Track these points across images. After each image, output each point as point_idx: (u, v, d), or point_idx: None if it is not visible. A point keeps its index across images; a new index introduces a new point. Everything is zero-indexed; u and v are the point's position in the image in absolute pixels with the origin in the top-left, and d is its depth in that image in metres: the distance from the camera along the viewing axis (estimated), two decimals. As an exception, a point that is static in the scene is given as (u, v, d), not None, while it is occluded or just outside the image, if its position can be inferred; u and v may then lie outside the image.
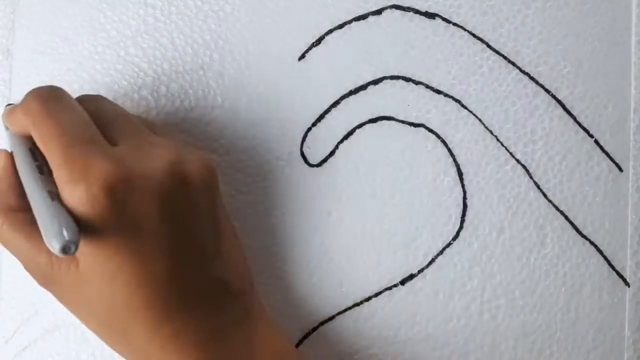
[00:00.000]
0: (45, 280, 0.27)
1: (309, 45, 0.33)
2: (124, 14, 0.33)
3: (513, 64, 0.33)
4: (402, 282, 0.32)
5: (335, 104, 0.33)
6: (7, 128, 0.29)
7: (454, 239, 0.32)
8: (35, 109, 0.26)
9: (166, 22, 0.33)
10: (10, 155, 0.28)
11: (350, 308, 0.32)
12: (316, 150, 0.33)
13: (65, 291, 0.27)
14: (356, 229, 0.32)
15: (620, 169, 0.33)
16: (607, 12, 0.33)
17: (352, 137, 0.33)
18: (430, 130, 0.33)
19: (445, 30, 0.33)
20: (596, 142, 0.33)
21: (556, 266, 0.32)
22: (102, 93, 0.33)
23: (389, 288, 0.32)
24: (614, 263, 0.32)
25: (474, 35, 0.33)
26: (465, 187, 0.32)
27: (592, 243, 0.32)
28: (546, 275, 0.32)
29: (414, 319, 0.32)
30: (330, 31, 0.33)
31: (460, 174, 0.32)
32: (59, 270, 0.26)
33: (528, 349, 0.32)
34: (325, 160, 0.33)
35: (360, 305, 0.32)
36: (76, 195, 0.24)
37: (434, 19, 0.33)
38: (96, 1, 0.33)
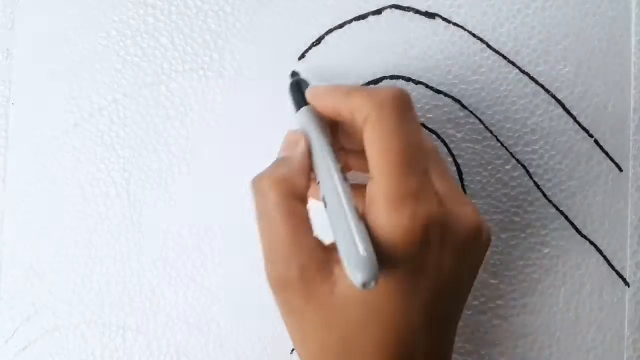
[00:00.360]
0: (284, 284, 0.24)
1: (309, 45, 0.33)
2: (124, 14, 0.33)
3: (513, 64, 0.33)
4: (402, 282, 0.32)
5: (335, 104, 0.33)
6: (297, 105, 0.27)
7: (454, 239, 0.32)
8: (390, 111, 0.24)
9: (166, 22, 0.33)
10: (308, 144, 0.26)
11: (350, 308, 0.32)
12: (316, 150, 0.33)
13: (299, 305, 0.24)
14: (356, 229, 0.32)
15: (620, 169, 0.33)
16: (607, 12, 0.33)
17: (352, 137, 0.33)
18: (431, 130, 0.33)
19: (445, 30, 0.33)
20: (596, 142, 0.33)
21: (556, 266, 0.32)
22: (102, 93, 0.33)
23: (389, 288, 0.32)
24: (614, 263, 0.32)
25: (474, 35, 0.33)
26: (465, 187, 0.32)
27: (592, 243, 0.32)
28: (546, 275, 0.32)
29: (414, 319, 0.32)
30: (330, 31, 0.33)
31: (460, 174, 0.32)
32: (310, 282, 0.23)
33: (528, 348, 0.32)
34: (325, 160, 0.33)
35: (360, 305, 0.32)
36: (398, 221, 0.23)
37: (434, 19, 0.33)
38: (96, 1, 0.33)
